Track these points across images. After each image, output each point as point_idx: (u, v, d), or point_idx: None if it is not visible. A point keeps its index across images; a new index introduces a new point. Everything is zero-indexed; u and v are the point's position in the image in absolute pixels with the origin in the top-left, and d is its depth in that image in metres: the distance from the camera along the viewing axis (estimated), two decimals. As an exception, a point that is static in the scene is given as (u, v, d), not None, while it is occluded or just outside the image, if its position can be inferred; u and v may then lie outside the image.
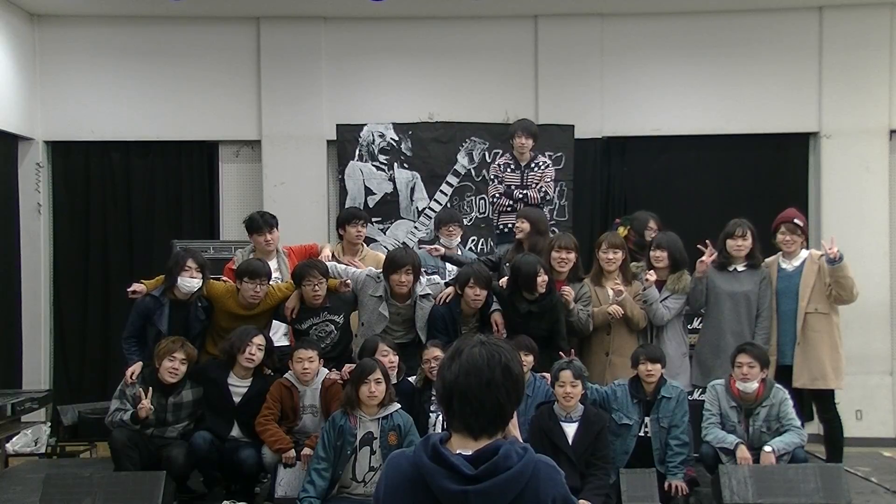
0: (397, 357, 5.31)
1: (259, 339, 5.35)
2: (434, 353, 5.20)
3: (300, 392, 5.33)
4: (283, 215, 6.46)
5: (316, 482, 4.78)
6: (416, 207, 8.32)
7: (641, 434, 5.32)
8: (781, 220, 5.90)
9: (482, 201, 8.24)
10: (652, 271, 5.91)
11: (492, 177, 6.90)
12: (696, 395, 5.95)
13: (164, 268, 5.72)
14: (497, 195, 6.73)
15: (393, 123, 8.33)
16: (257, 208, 7.07)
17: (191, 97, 8.44)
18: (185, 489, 5.41)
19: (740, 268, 5.88)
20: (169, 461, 5.13)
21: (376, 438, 4.87)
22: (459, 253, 6.53)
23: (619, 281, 5.87)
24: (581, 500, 4.67)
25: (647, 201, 7.75)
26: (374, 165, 8.31)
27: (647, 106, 8.49)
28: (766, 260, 5.96)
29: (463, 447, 2.00)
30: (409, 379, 5.40)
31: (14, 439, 7.00)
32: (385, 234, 8.28)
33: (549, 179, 6.68)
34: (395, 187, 8.31)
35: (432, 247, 6.40)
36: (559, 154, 8.18)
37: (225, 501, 5.16)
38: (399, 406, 4.98)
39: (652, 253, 5.99)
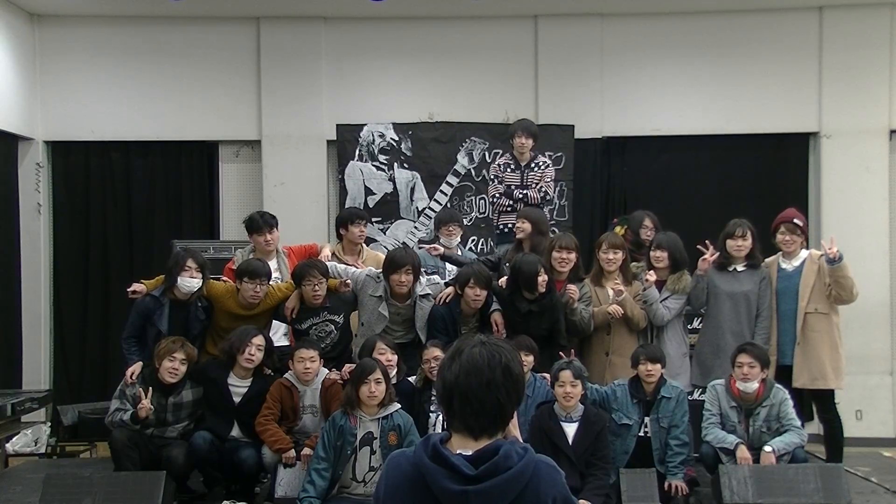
0: (395, 355, 5.30)
1: (258, 340, 5.35)
2: (434, 353, 5.20)
3: (300, 392, 5.33)
4: (283, 215, 6.46)
5: (316, 482, 4.78)
6: (416, 207, 8.33)
7: (641, 434, 5.32)
8: (781, 220, 5.90)
9: (482, 201, 8.24)
10: (652, 271, 5.91)
11: (492, 177, 6.90)
12: (696, 395, 5.96)
13: (164, 268, 5.72)
14: (497, 195, 6.72)
15: (393, 123, 8.33)
16: (257, 208, 7.07)
17: (191, 97, 8.45)
18: (185, 489, 5.41)
19: (740, 268, 5.88)
20: (169, 461, 5.13)
21: (376, 438, 4.87)
22: (459, 253, 6.54)
23: (619, 281, 5.87)
24: (581, 500, 4.67)
25: (647, 201, 7.74)
26: (374, 165, 8.31)
27: (647, 106, 8.49)
28: (766, 260, 5.96)
29: (463, 447, 2.00)
30: (409, 379, 5.40)
31: (14, 439, 7.00)
32: (385, 234, 8.28)
33: (549, 179, 6.68)
34: (395, 187, 8.32)
35: (431, 246, 6.40)
36: (559, 154, 8.18)
37: (225, 501, 5.15)
38: (399, 406, 4.98)
39: (652, 253, 5.99)
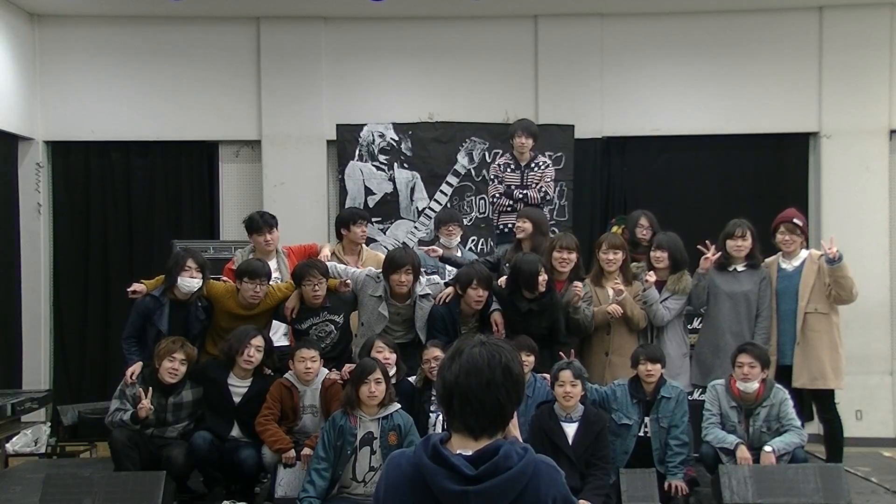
0: (394, 354, 5.30)
1: (257, 341, 5.34)
2: (434, 353, 5.20)
3: (300, 392, 5.33)
4: (283, 215, 6.47)
5: (316, 482, 4.77)
6: (416, 207, 8.33)
7: (641, 434, 5.32)
8: (781, 220, 5.90)
9: (482, 201, 8.24)
10: (652, 272, 5.91)
11: (492, 177, 6.90)
12: (696, 395, 5.96)
13: (164, 268, 5.72)
14: (497, 195, 6.72)
15: (393, 123, 8.33)
16: (257, 208, 7.06)
17: (191, 97, 8.45)
18: (185, 489, 5.41)
19: (740, 268, 5.88)
20: (169, 461, 5.13)
21: (376, 438, 4.87)
22: (459, 253, 6.53)
23: (620, 281, 5.87)
24: (581, 500, 4.67)
25: (647, 201, 7.72)
26: (374, 165, 8.31)
27: (647, 106, 8.49)
28: (766, 260, 5.96)
29: (463, 447, 2.00)
30: (409, 379, 5.39)
31: (14, 439, 7.00)
32: (385, 234, 8.28)
33: (549, 179, 6.68)
34: (395, 187, 8.32)
35: (430, 248, 6.39)
36: (559, 154, 8.18)
37: (225, 501, 5.15)
38: (399, 406, 4.98)
39: (652, 253, 5.99)
